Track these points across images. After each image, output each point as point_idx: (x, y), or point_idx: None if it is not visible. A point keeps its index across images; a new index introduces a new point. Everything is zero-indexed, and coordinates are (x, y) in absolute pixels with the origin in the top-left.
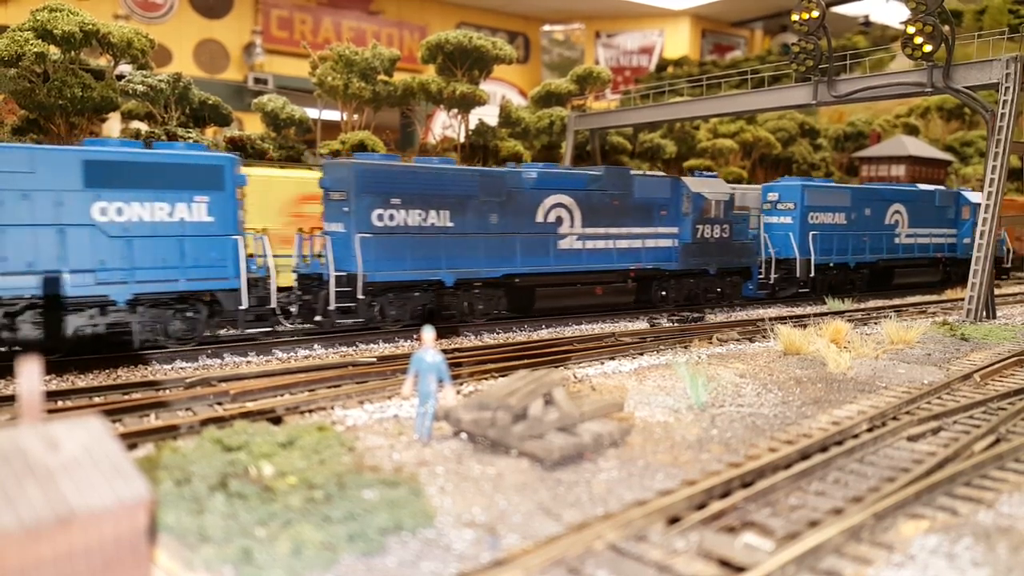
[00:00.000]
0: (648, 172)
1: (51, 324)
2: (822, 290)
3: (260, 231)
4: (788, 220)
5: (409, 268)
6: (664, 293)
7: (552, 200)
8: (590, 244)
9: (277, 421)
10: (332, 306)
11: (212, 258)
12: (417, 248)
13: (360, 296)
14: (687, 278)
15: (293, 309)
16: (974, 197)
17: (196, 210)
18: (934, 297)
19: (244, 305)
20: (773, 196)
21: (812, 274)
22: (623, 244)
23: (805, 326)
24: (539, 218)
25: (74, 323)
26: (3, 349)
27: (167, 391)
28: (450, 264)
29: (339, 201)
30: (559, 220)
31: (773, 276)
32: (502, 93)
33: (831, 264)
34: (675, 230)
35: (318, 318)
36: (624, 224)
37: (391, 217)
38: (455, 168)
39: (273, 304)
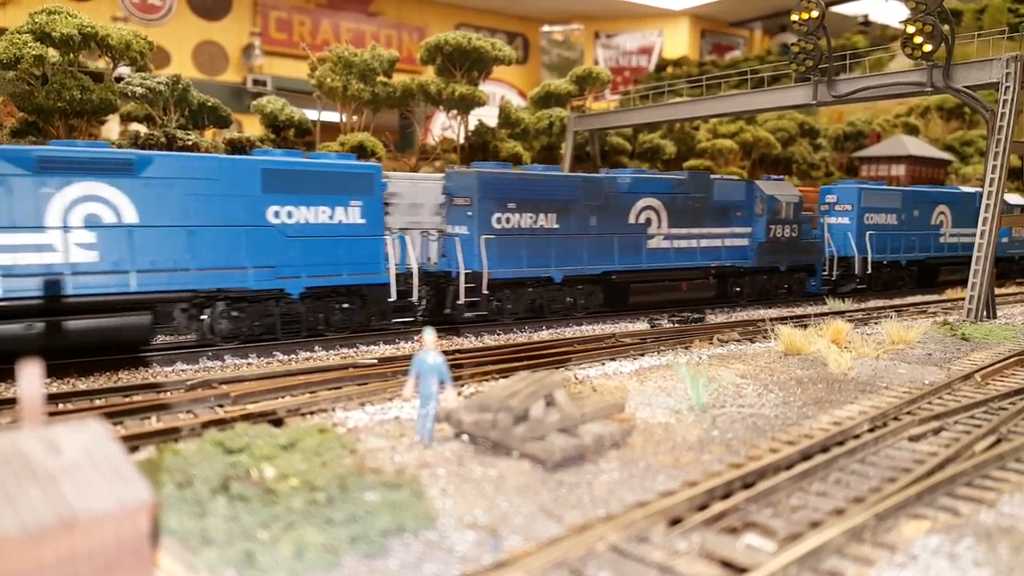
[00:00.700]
0: (725, 176)
1: (238, 314)
2: (877, 286)
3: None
4: (846, 221)
5: (525, 266)
6: (739, 289)
7: (642, 203)
8: (676, 243)
9: (278, 423)
10: (461, 300)
11: (365, 256)
12: (530, 248)
13: (485, 291)
14: (760, 275)
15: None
16: (1012, 199)
17: (351, 213)
18: (935, 297)
19: (392, 298)
20: (832, 198)
21: (868, 271)
22: (705, 243)
23: (806, 326)
24: (631, 220)
25: (256, 313)
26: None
27: (168, 393)
28: (558, 262)
29: (463, 206)
30: (648, 221)
31: (835, 273)
32: (501, 94)
33: (884, 262)
34: (749, 230)
35: (447, 311)
36: (705, 225)
37: (507, 220)
38: (561, 175)
39: (415, 297)
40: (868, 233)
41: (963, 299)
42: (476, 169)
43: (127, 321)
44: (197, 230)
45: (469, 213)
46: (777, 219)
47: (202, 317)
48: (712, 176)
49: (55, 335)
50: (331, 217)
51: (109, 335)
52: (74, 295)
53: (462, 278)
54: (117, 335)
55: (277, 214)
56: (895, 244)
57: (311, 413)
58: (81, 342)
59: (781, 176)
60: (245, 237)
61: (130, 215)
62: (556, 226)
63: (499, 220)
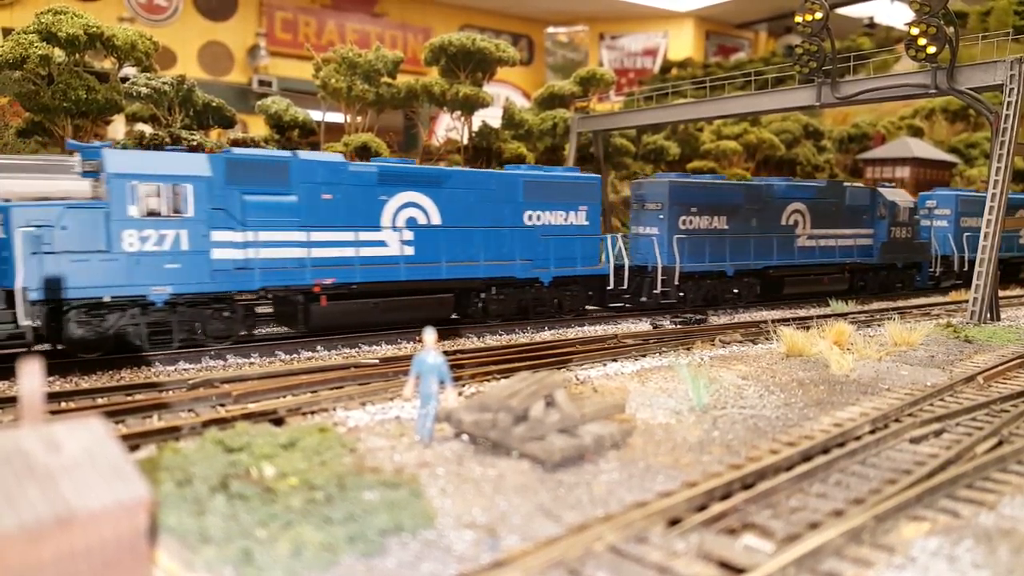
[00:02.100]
0: (854, 183)
1: (503, 297)
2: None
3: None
4: (945, 224)
5: (707, 262)
6: (863, 283)
7: (792, 207)
8: (819, 242)
9: (279, 422)
10: (658, 290)
11: (590, 252)
12: (710, 246)
13: (676, 283)
14: (881, 271)
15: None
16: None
17: (579, 216)
18: (938, 299)
19: (611, 287)
20: (931, 203)
21: (965, 268)
22: (840, 242)
23: (808, 328)
24: (783, 221)
25: (519, 296)
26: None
27: (170, 392)
28: (731, 258)
29: (655, 210)
30: (796, 223)
31: (939, 270)
32: (506, 95)
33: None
34: (873, 231)
35: (643, 299)
36: (840, 226)
37: (691, 222)
38: (730, 182)
39: (624, 285)
40: (965, 235)
41: (967, 301)
42: (667, 179)
43: (439, 299)
44: (482, 230)
45: (661, 216)
46: (896, 222)
47: (480, 298)
48: (844, 184)
49: (392, 310)
50: (566, 220)
51: (425, 310)
52: (405, 280)
53: (659, 271)
54: (431, 311)
55: (531, 217)
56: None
57: (312, 412)
58: (406, 316)
59: (893, 183)
60: (512, 236)
61: (437, 218)
62: (727, 227)
63: (684, 222)
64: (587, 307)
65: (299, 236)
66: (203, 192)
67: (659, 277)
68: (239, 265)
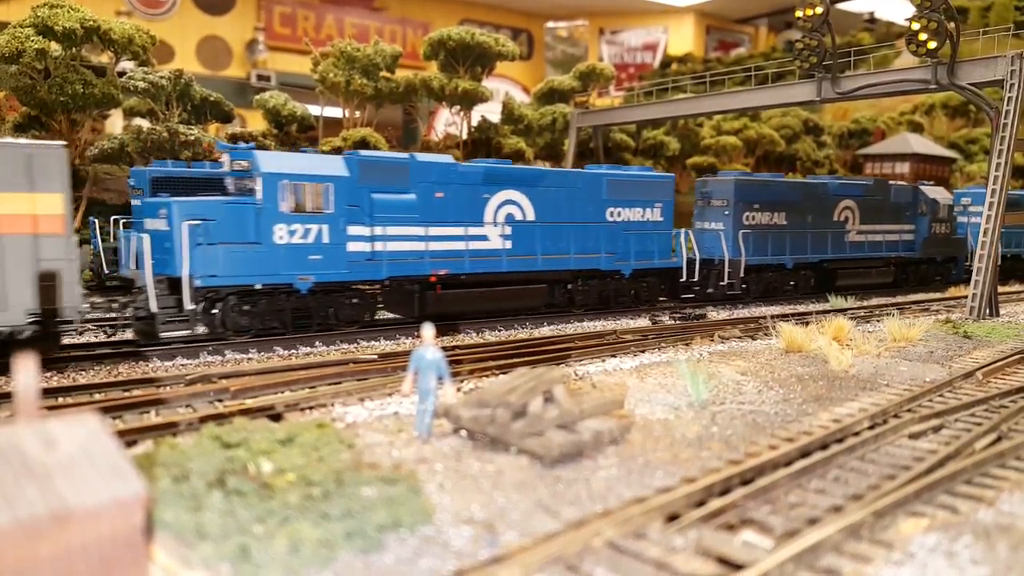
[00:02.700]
0: (898, 182)
1: (587, 288)
2: (1004, 275)
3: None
4: (978, 220)
5: (769, 255)
6: (905, 276)
7: (843, 204)
8: (868, 237)
9: (277, 418)
10: (724, 282)
11: (665, 246)
12: (772, 240)
13: (741, 275)
14: (922, 264)
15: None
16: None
17: (654, 213)
18: (937, 295)
19: (683, 279)
20: (966, 200)
21: (999, 263)
22: (886, 237)
23: (807, 324)
24: (835, 217)
25: (600, 287)
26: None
27: (168, 388)
28: (790, 252)
29: (720, 207)
30: (847, 219)
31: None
32: (505, 90)
33: (1008, 255)
34: (915, 227)
35: (710, 290)
36: (886, 222)
37: (754, 218)
38: (789, 180)
39: (695, 277)
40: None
41: (966, 297)
42: (732, 177)
43: (534, 289)
44: (571, 226)
45: (726, 213)
46: (936, 218)
47: (567, 289)
48: (889, 182)
49: (494, 299)
50: (643, 216)
51: (522, 299)
52: (506, 271)
53: (726, 264)
54: (527, 299)
55: (612, 214)
56: (1018, 240)
57: (310, 408)
58: (505, 304)
59: (931, 181)
60: (597, 231)
61: (531, 214)
62: (785, 223)
63: (748, 218)
64: (657, 298)
65: (418, 231)
66: (341, 191)
67: (726, 270)
68: (368, 257)
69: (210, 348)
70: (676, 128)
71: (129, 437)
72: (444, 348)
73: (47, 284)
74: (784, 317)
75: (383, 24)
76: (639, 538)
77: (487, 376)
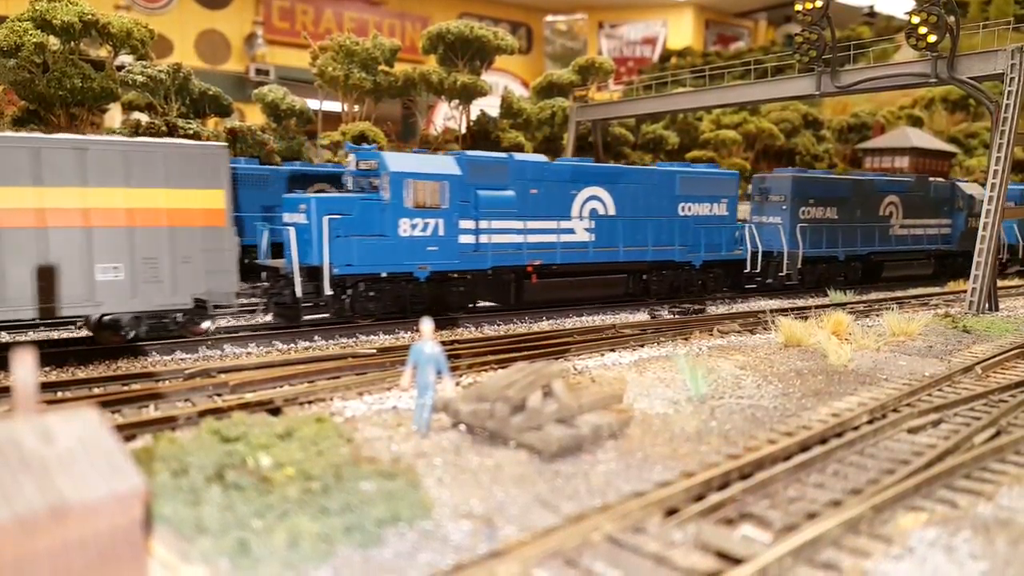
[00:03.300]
0: (937, 178)
1: (659, 279)
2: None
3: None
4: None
5: (823, 248)
6: (943, 268)
7: (888, 199)
8: (910, 231)
9: (276, 412)
10: (783, 272)
11: (731, 239)
12: (826, 234)
13: (799, 266)
14: (958, 257)
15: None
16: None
17: (720, 208)
18: (936, 289)
19: (748, 269)
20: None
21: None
22: (927, 231)
23: (806, 318)
24: (881, 212)
25: (672, 278)
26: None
27: (166, 382)
28: (843, 245)
29: (778, 202)
30: (891, 213)
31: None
32: (504, 84)
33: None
34: (952, 221)
35: (769, 280)
36: (926, 216)
37: (809, 213)
38: (840, 177)
39: (757, 268)
40: None
41: (965, 291)
42: (790, 174)
43: (616, 279)
44: (648, 220)
45: (784, 207)
46: (972, 212)
47: (643, 279)
48: (929, 178)
49: (581, 287)
50: (711, 211)
51: (605, 288)
52: (592, 262)
53: (785, 256)
54: (609, 288)
55: (684, 208)
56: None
57: (309, 402)
58: (590, 292)
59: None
60: (671, 225)
61: (612, 209)
62: (837, 217)
63: (804, 213)
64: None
65: (517, 224)
66: (454, 188)
67: (785, 261)
68: (475, 248)
69: (208, 342)
70: (675, 122)
71: (128, 431)
72: (443, 343)
73: (211, 271)
74: (783, 311)
75: (382, 18)
76: (638, 532)
77: (486, 371)
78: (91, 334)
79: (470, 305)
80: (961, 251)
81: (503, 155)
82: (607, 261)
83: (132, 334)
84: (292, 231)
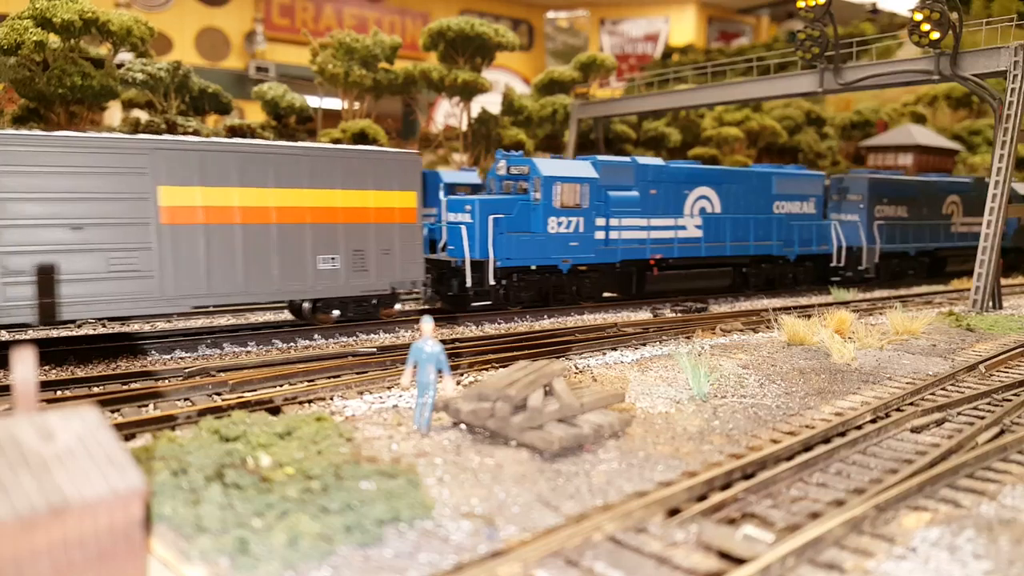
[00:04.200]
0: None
1: (756, 271)
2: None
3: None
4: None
5: (897, 244)
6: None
7: (950, 199)
8: (969, 228)
9: (275, 411)
10: (863, 266)
11: (819, 235)
12: (897, 231)
13: (876, 261)
14: (1013, 252)
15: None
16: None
17: (809, 206)
18: (940, 287)
19: (834, 263)
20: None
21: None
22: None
23: (809, 316)
24: (944, 211)
25: (768, 272)
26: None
27: (166, 381)
28: (914, 241)
29: (856, 201)
30: (952, 212)
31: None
32: (505, 81)
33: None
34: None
35: (849, 273)
36: (981, 214)
37: (883, 211)
38: (909, 178)
39: (842, 263)
40: None
41: (969, 289)
42: (866, 175)
43: (722, 272)
44: (750, 217)
45: (861, 206)
46: None
47: (743, 272)
48: (985, 179)
49: (693, 279)
50: (801, 208)
51: (713, 280)
52: (704, 256)
53: (864, 251)
54: (717, 280)
55: (778, 207)
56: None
57: (309, 401)
58: (701, 284)
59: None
60: (769, 222)
61: (719, 208)
62: (907, 215)
63: (879, 211)
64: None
65: (641, 222)
66: (592, 189)
67: (864, 256)
68: (606, 243)
69: (208, 341)
70: (677, 119)
71: (128, 430)
72: (443, 341)
73: (405, 261)
74: (786, 310)
75: (382, 15)
76: (640, 532)
77: (487, 369)
78: (293, 316)
79: (597, 296)
80: (1014, 247)
81: (628, 159)
82: (715, 255)
83: (337, 314)
84: (464, 229)
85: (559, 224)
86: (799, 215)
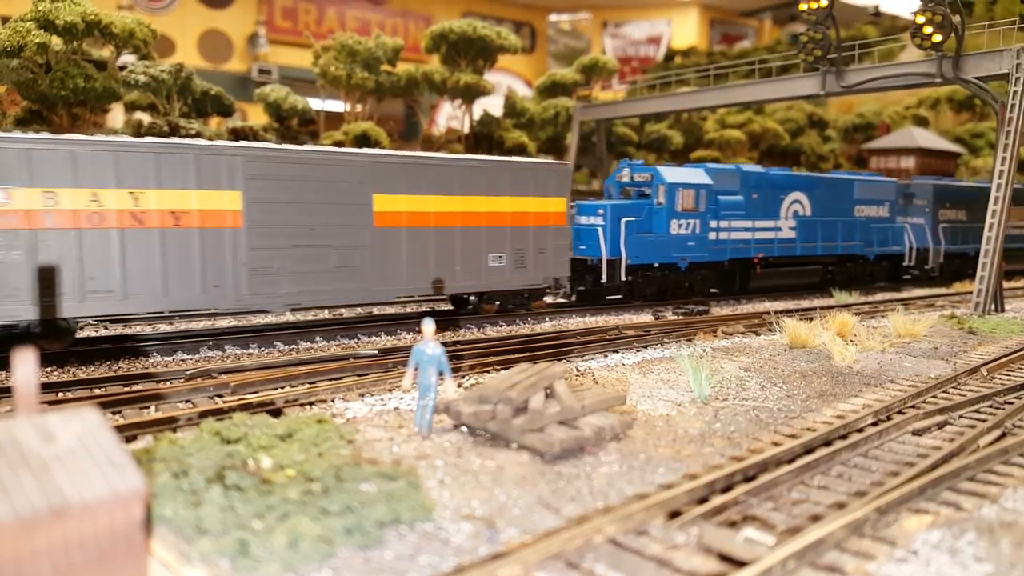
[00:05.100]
0: None
1: (838, 270)
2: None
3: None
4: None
5: (958, 245)
6: None
7: None
8: (1020, 231)
9: (277, 413)
10: (929, 265)
11: (893, 237)
12: (959, 233)
13: (940, 261)
14: None
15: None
16: None
17: (883, 209)
18: (942, 290)
19: (906, 263)
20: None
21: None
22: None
23: (811, 319)
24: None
25: (851, 269)
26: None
27: (168, 383)
28: (972, 242)
29: (922, 205)
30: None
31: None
32: (507, 83)
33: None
34: None
35: (916, 272)
36: None
37: (946, 215)
38: (968, 184)
39: (913, 263)
40: None
41: (971, 292)
42: (931, 181)
43: (813, 270)
44: (837, 220)
45: (927, 210)
46: None
47: (829, 270)
48: None
49: (789, 276)
50: (877, 212)
51: (806, 277)
52: (799, 255)
53: (931, 251)
54: (808, 278)
55: (858, 211)
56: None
57: (310, 403)
58: (796, 281)
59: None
60: (852, 224)
61: (809, 211)
62: (966, 218)
63: (942, 215)
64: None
65: (746, 224)
66: (707, 195)
67: (931, 256)
68: (716, 244)
69: (210, 343)
70: (680, 122)
71: (129, 432)
72: (445, 343)
73: (555, 259)
74: (788, 312)
75: (384, 17)
76: (640, 535)
77: (488, 371)
78: (452, 307)
79: (713, 290)
80: None
81: (732, 166)
82: (809, 255)
83: (498, 305)
84: (600, 231)
85: (679, 226)
86: (876, 218)
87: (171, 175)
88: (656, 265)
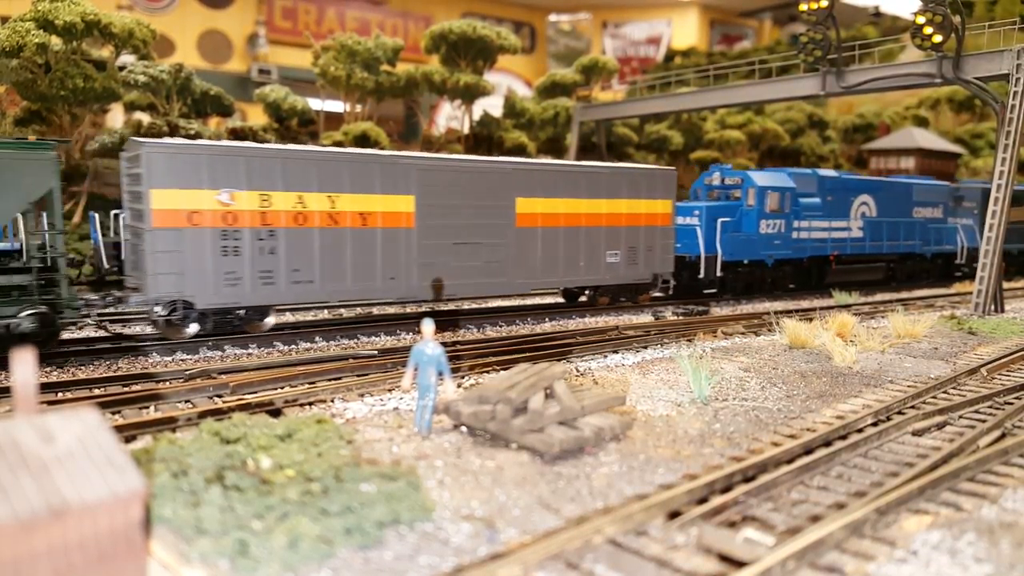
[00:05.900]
0: None
1: (896, 267)
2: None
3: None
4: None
5: (1005, 244)
6: None
7: None
8: None
9: (276, 413)
10: (978, 263)
11: (948, 237)
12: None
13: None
14: None
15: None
16: None
17: (938, 211)
18: (942, 291)
19: (958, 261)
20: None
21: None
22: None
23: (811, 320)
24: None
25: (911, 267)
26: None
27: (167, 383)
28: (1017, 242)
29: (970, 207)
30: None
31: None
32: (507, 84)
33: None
34: None
35: (967, 270)
36: None
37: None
38: (1016, 187)
39: (963, 261)
40: None
41: (971, 293)
42: (980, 185)
43: (879, 267)
44: (899, 221)
45: (975, 212)
46: None
47: (890, 267)
48: None
49: (857, 272)
50: (932, 214)
51: (872, 273)
52: (867, 253)
53: (982, 251)
54: (874, 274)
55: (916, 212)
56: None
57: (309, 404)
58: (863, 277)
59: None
60: (911, 225)
61: (875, 212)
62: (1014, 219)
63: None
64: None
65: (823, 224)
66: (791, 197)
67: (981, 255)
68: (797, 242)
69: (209, 343)
70: (679, 122)
71: (128, 432)
72: (444, 344)
73: (662, 257)
74: (788, 313)
75: (384, 17)
76: (640, 535)
77: (488, 372)
78: (564, 300)
79: (791, 286)
80: None
81: (810, 171)
82: (876, 253)
83: (609, 298)
84: (699, 230)
85: (768, 226)
86: (932, 219)
87: (360, 181)
88: (745, 262)
